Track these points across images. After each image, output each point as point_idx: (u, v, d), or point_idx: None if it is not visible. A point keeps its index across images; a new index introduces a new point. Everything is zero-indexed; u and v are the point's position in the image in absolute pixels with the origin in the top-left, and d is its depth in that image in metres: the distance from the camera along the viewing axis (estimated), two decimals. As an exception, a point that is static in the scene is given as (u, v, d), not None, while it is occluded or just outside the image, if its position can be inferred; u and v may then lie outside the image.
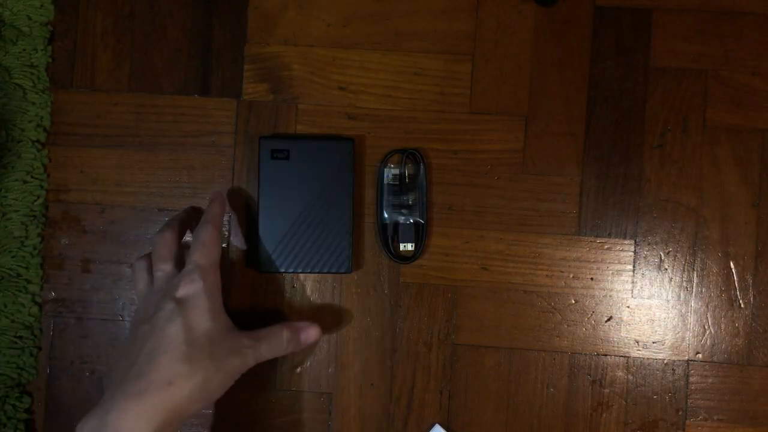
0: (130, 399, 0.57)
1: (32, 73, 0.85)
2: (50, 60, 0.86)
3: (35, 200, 0.84)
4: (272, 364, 0.83)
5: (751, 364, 0.83)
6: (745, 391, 0.83)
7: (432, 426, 0.83)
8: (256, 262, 0.79)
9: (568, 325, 0.84)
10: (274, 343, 0.69)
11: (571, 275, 0.84)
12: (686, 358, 0.83)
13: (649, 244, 0.84)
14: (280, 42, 0.85)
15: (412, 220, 0.83)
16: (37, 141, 0.85)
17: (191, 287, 0.64)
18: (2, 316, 0.83)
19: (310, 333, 0.73)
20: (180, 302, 0.63)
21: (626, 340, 0.83)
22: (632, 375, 0.83)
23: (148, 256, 0.75)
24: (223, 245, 0.82)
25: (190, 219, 0.79)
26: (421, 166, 0.83)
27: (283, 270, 0.78)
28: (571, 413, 0.83)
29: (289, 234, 0.76)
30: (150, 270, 0.74)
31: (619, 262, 0.84)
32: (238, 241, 0.82)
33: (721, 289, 0.83)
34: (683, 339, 0.83)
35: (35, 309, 0.84)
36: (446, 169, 0.84)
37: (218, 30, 0.85)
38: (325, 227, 0.77)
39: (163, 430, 0.57)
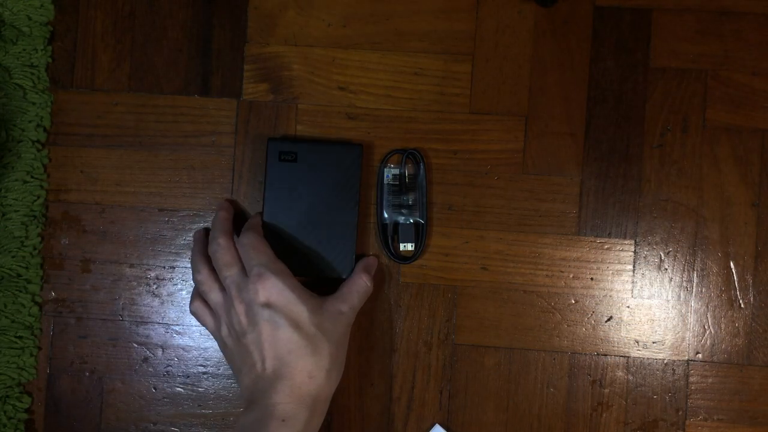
0: (283, 394, 0.65)
1: (32, 73, 0.85)
2: (50, 60, 0.86)
3: (35, 200, 0.84)
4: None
5: (751, 364, 0.83)
6: (745, 391, 0.83)
7: (432, 426, 0.83)
8: None
9: (568, 325, 0.84)
10: (359, 290, 0.76)
11: (571, 275, 0.84)
12: (686, 358, 0.83)
13: (649, 244, 0.84)
14: (280, 42, 0.85)
15: (412, 220, 0.83)
16: (37, 141, 0.85)
17: (271, 288, 0.68)
18: (2, 316, 0.83)
19: (371, 262, 0.80)
20: (271, 305, 0.68)
21: (626, 340, 0.83)
22: (632, 375, 0.83)
23: (207, 268, 0.76)
24: None
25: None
26: (421, 166, 0.83)
27: None
28: (571, 413, 0.83)
29: (293, 237, 0.76)
30: (216, 278, 0.75)
31: (619, 262, 0.84)
32: None
33: (721, 289, 0.83)
34: (683, 339, 0.83)
35: (35, 309, 0.84)
36: (446, 169, 0.84)
37: (218, 30, 0.85)
38: (329, 232, 0.76)
39: (317, 410, 0.69)
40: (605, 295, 0.84)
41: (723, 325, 0.83)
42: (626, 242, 0.84)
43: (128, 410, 0.85)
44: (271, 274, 0.68)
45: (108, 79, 0.86)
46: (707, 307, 0.83)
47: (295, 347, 0.67)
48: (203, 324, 0.78)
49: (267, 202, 0.76)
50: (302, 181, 0.75)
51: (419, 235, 0.83)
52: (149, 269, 0.85)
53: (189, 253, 0.84)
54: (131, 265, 0.85)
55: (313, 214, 0.75)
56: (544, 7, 0.84)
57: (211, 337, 0.81)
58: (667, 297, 0.83)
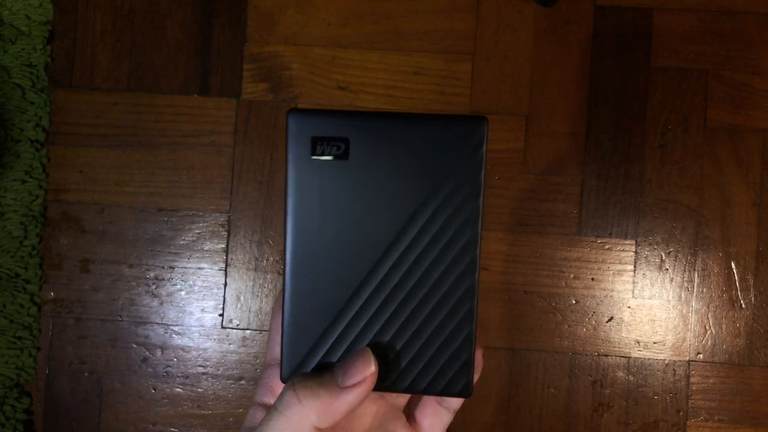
0: None
1: (31, 73, 0.84)
2: (49, 59, 0.85)
3: (34, 200, 0.84)
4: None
5: (753, 365, 0.83)
6: (746, 391, 0.82)
7: (432, 427, 0.83)
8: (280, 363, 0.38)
9: (568, 326, 0.83)
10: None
11: (572, 275, 0.83)
12: (687, 358, 0.83)
13: (650, 244, 0.83)
14: (279, 41, 0.85)
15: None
16: (36, 140, 0.85)
17: None
18: (1, 317, 0.83)
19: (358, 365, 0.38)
20: None
21: (627, 341, 0.83)
22: (633, 375, 0.83)
23: None
24: None
25: None
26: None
27: None
28: (572, 414, 0.83)
29: (345, 313, 0.37)
30: None
31: (620, 263, 0.83)
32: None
33: (722, 290, 0.83)
34: (684, 339, 0.83)
35: (34, 309, 0.84)
36: (446, 168, 0.84)
37: (218, 29, 0.85)
38: (417, 300, 0.36)
39: None
40: (606, 296, 0.83)
41: (724, 326, 0.83)
42: (627, 242, 0.83)
43: (127, 411, 0.84)
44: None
45: (107, 78, 0.85)
46: (708, 307, 0.83)
47: None
48: None
49: (293, 244, 0.36)
50: (361, 198, 0.36)
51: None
52: (148, 269, 0.85)
53: (189, 253, 0.84)
54: (130, 266, 0.85)
55: (386, 267, 0.36)
56: (545, 6, 0.84)
57: (211, 337, 0.81)
58: (668, 297, 0.83)
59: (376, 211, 0.36)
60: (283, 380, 0.36)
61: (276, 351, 0.37)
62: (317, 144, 0.36)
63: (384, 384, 0.36)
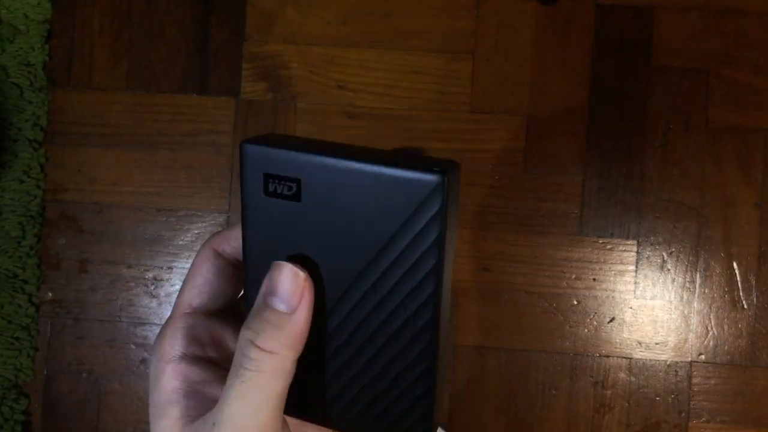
0: None
1: (29, 72, 0.84)
2: (47, 58, 0.85)
3: (32, 200, 0.84)
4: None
5: (755, 365, 0.82)
6: (748, 392, 0.82)
7: (432, 428, 0.82)
8: None
9: (570, 326, 0.83)
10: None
11: (573, 276, 0.83)
12: (689, 359, 0.83)
13: (651, 244, 0.83)
14: (278, 40, 0.85)
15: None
16: (34, 140, 0.84)
17: None
18: (-1, 317, 0.83)
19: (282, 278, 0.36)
20: None
21: (629, 341, 0.83)
22: (634, 376, 0.83)
23: None
24: None
25: None
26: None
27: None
28: (573, 415, 0.83)
29: (308, 358, 0.34)
30: None
31: (622, 263, 0.83)
32: None
33: (724, 290, 0.83)
34: (686, 340, 0.83)
35: (32, 310, 0.84)
36: (447, 168, 0.84)
37: (216, 28, 0.85)
38: (379, 350, 0.33)
39: None
40: (607, 296, 0.83)
41: (726, 326, 0.83)
42: (629, 242, 0.83)
43: (126, 412, 0.84)
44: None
45: (105, 77, 0.85)
46: (710, 308, 0.83)
47: None
48: None
49: (249, 280, 0.34)
50: (314, 242, 0.33)
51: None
52: (147, 270, 0.84)
53: (188, 254, 0.84)
54: (129, 266, 0.84)
55: (345, 314, 0.33)
56: (545, 5, 0.84)
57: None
58: (669, 298, 0.83)
59: (331, 257, 0.32)
60: None
61: (190, 295, 0.34)
62: (269, 182, 0.32)
63: (341, 425, 0.34)
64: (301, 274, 0.30)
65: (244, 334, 0.29)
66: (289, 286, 0.30)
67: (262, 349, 0.29)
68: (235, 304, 0.35)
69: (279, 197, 0.32)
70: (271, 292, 0.30)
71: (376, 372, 0.33)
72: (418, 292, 0.31)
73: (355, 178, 0.31)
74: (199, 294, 0.33)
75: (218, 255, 0.33)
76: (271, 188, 0.32)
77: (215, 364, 0.33)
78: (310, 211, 0.32)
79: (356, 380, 0.33)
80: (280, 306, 0.30)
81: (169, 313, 0.86)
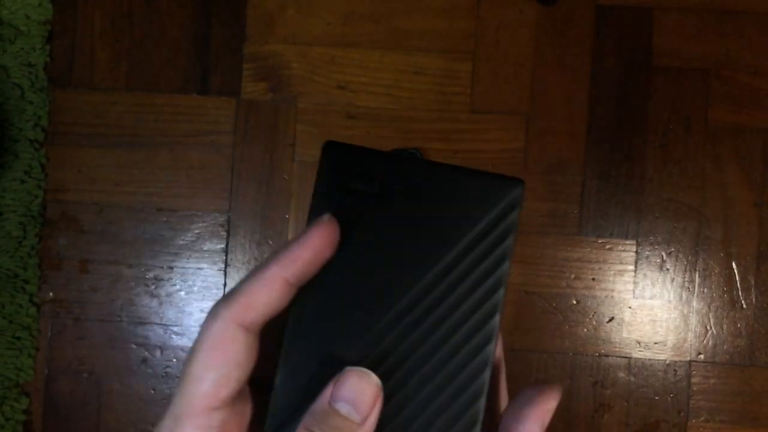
0: None
1: (30, 72, 0.84)
2: (48, 59, 0.85)
3: (33, 200, 0.84)
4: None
5: (754, 365, 0.82)
6: (747, 392, 0.82)
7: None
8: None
9: (569, 326, 0.83)
10: None
11: (573, 275, 0.83)
12: (688, 358, 0.83)
13: (651, 244, 0.83)
14: (279, 40, 0.85)
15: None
16: (35, 140, 0.84)
17: None
18: (0, 317, 0.83)
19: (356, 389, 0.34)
20: None
21: (628, 341, 0.83)
22: (634, 376, 0.83)
23: None
24: None
25: None
26: (422, 166, 0.82)
27: None
28: (572, 414, 0.83)
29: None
30: None
31: (621, 263, 0.83)
32: None
33: (723, 290, 0.83)
34: (685, 340, 0.83)
35: (33, 310, 0.84)
36: (447, 168, 0.84)
37: (217, 29, 0.85)
38: (430, 364, 0.33)
39: None
40: (607, 296, 0.83)
41: (725, 326, 0.83)
42: (628, 242, 0.83)
43: (127, 412, 0.84)
44: None
45: (106, 78, 0.85)
46: (709, 307, 0.83)
47: None
48: None
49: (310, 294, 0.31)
50: (382, 248, 0.32)
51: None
52: (148, 269, 0.84)
53: (188, 253, 0.84)
54: (129, 266, 0.84)
55: (397, 327, 0.32)
56: (545, 5, 0.84)
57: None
58: (669, 297, 0.83)
59: (394, 262, 0.32)
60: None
61: (217, 385, 0.28)
62: (348, 180, 0.32)
63: None
64: (375, 381, 0.28)
65: None
66: (365, 397, 0.28)
67: None
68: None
69: (357, 195, 0.32)
70: (344, 398, 0.27)
71: (422, 396, 0.32)
72: (480, 304, 0.31)
73: (435, 179, 0.32)
74: (227, 382, 0.27)
75: (246, 330, 0.27)
76: (349, 185, 0.32)
77: None
78: (386, 210, 0.32)
79: (403, 401, 0.32)
80: (354, 416, 0.27)
81: (169, 314, 0.85)
